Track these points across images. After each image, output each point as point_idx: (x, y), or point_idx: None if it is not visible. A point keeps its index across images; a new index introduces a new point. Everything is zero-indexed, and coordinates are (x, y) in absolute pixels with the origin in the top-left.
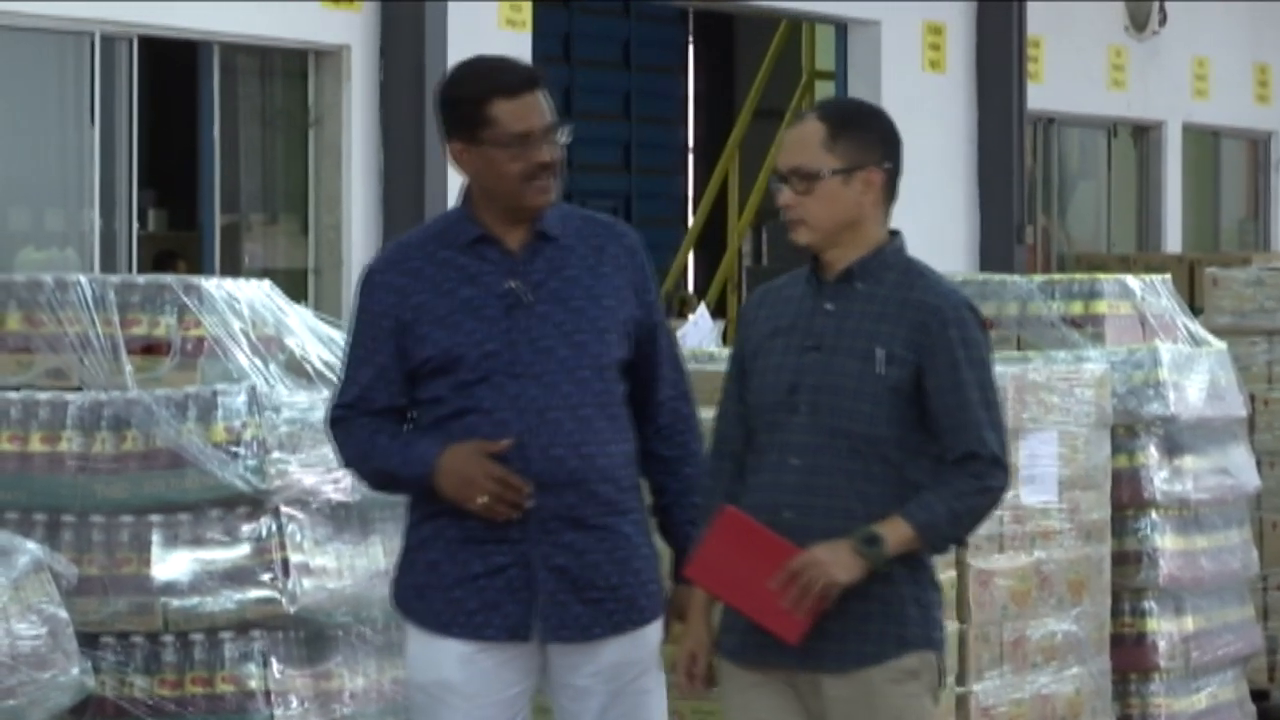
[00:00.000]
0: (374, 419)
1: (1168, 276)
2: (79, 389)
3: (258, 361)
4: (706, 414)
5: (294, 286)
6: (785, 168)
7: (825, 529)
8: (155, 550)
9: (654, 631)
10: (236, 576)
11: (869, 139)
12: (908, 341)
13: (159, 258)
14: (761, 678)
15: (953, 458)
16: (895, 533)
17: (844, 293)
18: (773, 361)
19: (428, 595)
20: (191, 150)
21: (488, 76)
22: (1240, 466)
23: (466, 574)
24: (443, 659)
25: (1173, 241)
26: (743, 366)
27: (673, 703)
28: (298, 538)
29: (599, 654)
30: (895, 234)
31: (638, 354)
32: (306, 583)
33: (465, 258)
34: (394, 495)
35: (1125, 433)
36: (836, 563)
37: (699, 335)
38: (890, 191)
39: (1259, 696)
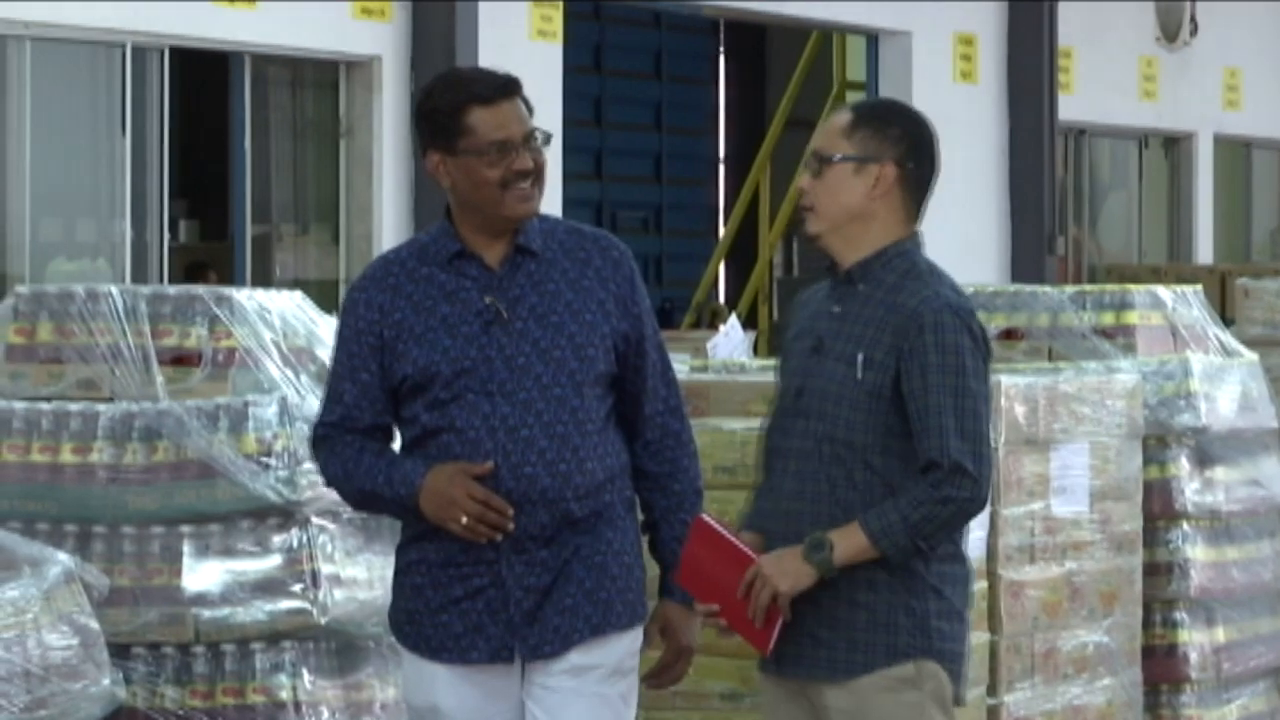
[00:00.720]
0: (359, 437)
1: (1199, 287)
2: (110, 400)
3: (289, 372)
4: (737, 426)
5: (325, 297)
6: (808, 152)
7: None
8: (186, 561)
9: (627, 640)
10: (267, 587)
11: (890, 134)
12: (889, 347)
13: (190, 269)
14: (790, 692)
15: (919, 465)
16: (847, 540)
17: (847, 295)
18: (789, 365)
19: (416, 619)
20: (223, 161)
21: (463, 86)
22: (1272, 478)
23: (449, 598)
24: (434, 684)
25: (1204, 252)
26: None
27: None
28: (329, 549)
29: (567, 655)
30: (910, 235)
31: (625, 368)
32: (337, 594)
33: (445, 274)
34: (377, 515)
35: (1156, 444)
36: (780, 572)
37: (730, 346)
38: (911, 194)
39: None
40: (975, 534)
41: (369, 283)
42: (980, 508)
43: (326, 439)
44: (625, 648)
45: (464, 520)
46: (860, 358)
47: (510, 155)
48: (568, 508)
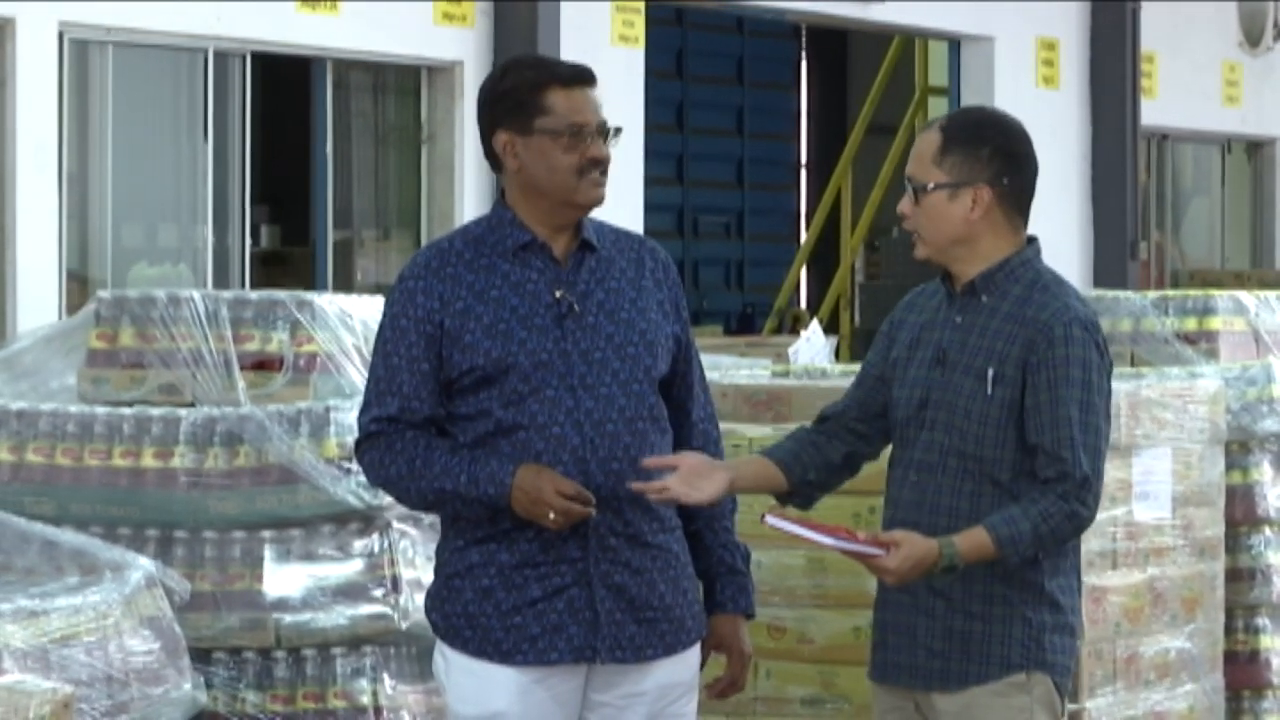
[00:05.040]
0: (420, 433)
1: None
2: (192, 405)
3: None
4: None
5: None
6: (906, 175)
7: None
8: (267, 566)
9: (696, 654)
10: (349, 592)
11: (980, 155)
12: (1018, 360)
13: None
14: (896, 699)
15: (1043, 476)
16: (975, 551)
17: (970, 306)
18: (910, 374)
19: (481, 623)
20: (304, 166)
21: (545, 66)
22: None
23: (524, 599)
24: (495, 689)
25: None
26: (878, 364)
27: None
28: (409, 553)
29: (645, 675)
30: (1030, 242)
31: (674, 372)
32: (418, 598)
33: (509, 264)
34: (432, 514)
35: (1239, 449)
36: (903, 573)
37: (811, 352)
38: (1013, 206)
39: None
40: None
41: (425, 271)
42: (1092, 523)
43: (381, 435)
44: (696, 662)
45: (551, 515)
46: (991, 372)
47: (585, 142)
48: (649, 505)
